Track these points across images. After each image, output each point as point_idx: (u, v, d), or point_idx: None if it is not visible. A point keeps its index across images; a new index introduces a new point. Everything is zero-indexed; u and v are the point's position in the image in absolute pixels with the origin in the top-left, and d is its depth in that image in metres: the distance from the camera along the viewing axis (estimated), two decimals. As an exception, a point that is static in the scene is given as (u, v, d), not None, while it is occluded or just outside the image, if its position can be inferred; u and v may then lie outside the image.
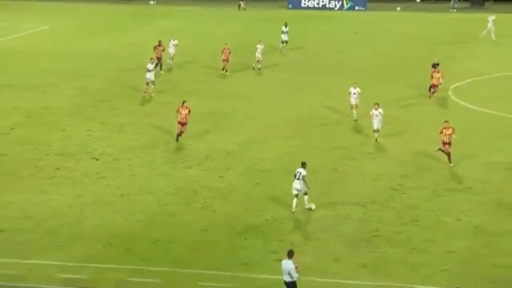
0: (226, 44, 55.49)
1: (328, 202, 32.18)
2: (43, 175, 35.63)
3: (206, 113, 43.32)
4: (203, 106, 43.54)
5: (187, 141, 39.72)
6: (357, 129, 42.31)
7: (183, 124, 39.52)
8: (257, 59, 56.01)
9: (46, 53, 62.86)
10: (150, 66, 48.74)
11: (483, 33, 67.57)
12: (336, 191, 33.81)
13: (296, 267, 23.54)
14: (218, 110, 45.60)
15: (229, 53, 54.87)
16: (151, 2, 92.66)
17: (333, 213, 31.40)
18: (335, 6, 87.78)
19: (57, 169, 36.40)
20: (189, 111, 39.67)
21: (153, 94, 48.40)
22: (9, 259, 27.25)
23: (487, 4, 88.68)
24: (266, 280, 25.80)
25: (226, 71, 54.99)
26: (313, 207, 31.52)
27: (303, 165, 31.55)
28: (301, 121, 43.75)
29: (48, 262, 27.15)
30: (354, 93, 43.19)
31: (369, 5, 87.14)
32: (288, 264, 23.62)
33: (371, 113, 39.61)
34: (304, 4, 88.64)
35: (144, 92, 48.50)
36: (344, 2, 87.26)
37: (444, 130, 36.19)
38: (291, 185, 31.39)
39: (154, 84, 48.67)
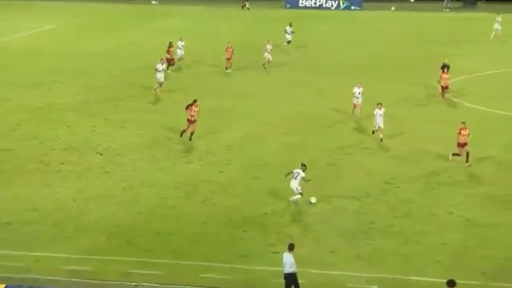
0: (229, 42, 55.75)
1: (325, 196, 32.35)
2: (49, 170, 35.94)
3: (208, 110, 43.49)
4: (205, 103, 43.74)
5: (189, 137, 39.91)
6: (354, 127, 42.67)
7: (191, 122, 39.47)
8: (266, 59, 56.07)
9: (51, 52, 63.49)
10: (160, 66, 48.64)
11: (492, 35, 68.02)
12: (332, 185, 33.97)
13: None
14: (220, 107, 45.95)
15: (233, 51, 55.09)
16: (153, 2, 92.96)
17: (329, 206, 31.60)
18: (332, 5, 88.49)
19: (62, 163, 36.75)
20: (199, 110, 39.58)
21: (160, 94, 48.46)
22: (16, 251, 27.47)
23: (479, 4, 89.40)
24: (265, 271, 25.98)
25: (227, 69, 55.21)
26: (314, 200, 31.63)
27: (303, 166, 31.61)
28: (299, 119, 44.12)
29: (54, 254, 27.37)
30: (359, 93, 43.65)
31: (364, 4, 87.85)
32: (288, 257, 23.89)
33: (374, 113, 39.80)
34: (302, 3, 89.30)
35: (154, 90, 48.57)
36: (341, 2, 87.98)
37: (462, 131, 36.17)
38: (289, 180, 31.63)
39: (162, 85, 48.62)
